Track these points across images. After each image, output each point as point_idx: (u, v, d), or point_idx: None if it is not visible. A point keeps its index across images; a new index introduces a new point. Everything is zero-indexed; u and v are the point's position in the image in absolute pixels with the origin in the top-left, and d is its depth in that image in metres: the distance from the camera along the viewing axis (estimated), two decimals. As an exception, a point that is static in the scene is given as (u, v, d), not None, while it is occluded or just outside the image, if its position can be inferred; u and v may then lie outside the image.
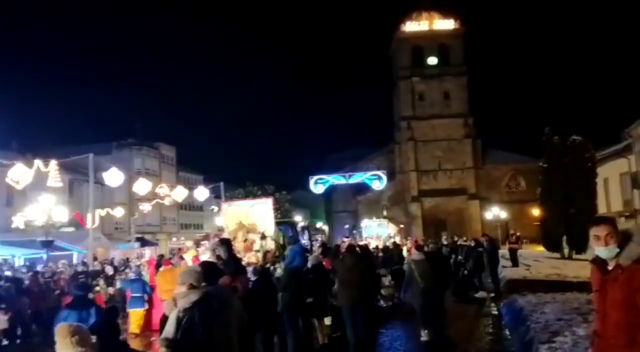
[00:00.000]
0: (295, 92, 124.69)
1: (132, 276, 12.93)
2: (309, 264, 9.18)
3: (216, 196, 31.59)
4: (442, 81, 58.81)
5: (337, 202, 62.03)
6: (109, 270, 15.35)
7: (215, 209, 33.57)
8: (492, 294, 14.74)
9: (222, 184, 29.39)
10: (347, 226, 53.46)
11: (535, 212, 53.89)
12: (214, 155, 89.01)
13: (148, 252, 29.48)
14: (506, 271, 18.15)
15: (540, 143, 25.54)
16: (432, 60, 59.88)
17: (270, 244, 14.52)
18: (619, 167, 29.39)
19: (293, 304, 8.20)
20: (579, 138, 23.91)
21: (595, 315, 3.29)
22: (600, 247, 3.18)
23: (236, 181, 44.56)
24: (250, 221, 15.18)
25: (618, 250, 3.11)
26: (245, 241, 14.43)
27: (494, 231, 42.67)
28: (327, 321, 9.70)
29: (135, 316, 11.54)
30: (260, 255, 13.19)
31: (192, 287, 3.99)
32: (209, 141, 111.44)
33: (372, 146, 63.68)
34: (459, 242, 22.34)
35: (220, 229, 19.10)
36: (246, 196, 32.91)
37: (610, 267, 3.12)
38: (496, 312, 12.14)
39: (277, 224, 16.91)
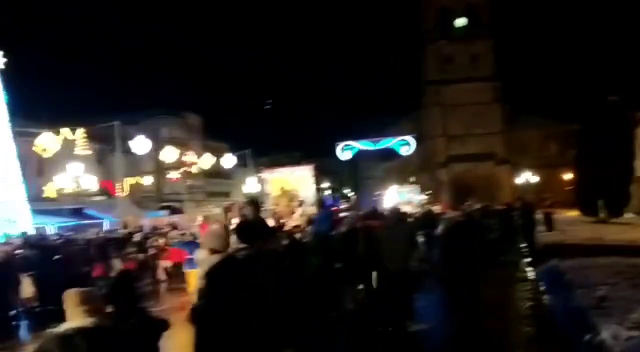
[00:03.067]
0: (318, 58, 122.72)
1: (188, 238, 13.89)
2: (343, 229, 8.86)
3: (241, 164, 31.47)
4: (470, 44, 56.96)
5: (363, 169, 61.63)
6: (137, 236, 15.38)
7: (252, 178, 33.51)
8: (529, 259, 14.37)
9: (248, 151, 29.22)
10: (378, 193, 53.05)
11: (567, 176, 53.14)
12: (241, 123, 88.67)
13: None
14: (542, 236, 17.65)
15: (571, 106, 24.68)
16: (461, 21, 57.97)
17: (310, 210, 14.74)
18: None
19: (321, 269, 7.97)
20: (616, 98, 22.93)
21: None
22: None
23: (262, 148, 44.44)
24: (291, 187, 15.62)
25: None
26: (288, 206, 14.78)
27: (524, 196, 41.93)
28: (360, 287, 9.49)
29: (192, 276, 11.59)
30: (304, 220, 13.24)
31: (213, 252, 3.72)
32: (234, 110, 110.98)
33: (398, 112, 62.68)
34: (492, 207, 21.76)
35: (249, 198, 19.61)
36: (272, 164, 32.72)
37: None
38: (534, 278, 11.75)
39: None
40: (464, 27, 57.71)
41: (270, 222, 13.32)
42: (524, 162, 54.67)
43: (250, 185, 27.41)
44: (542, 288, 10.11)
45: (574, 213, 29.93)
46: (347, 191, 59.09)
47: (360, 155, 46.67)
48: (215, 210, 28.49)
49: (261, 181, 19.30)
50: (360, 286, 9.51)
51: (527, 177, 49.09)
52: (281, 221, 13.24)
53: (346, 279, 8.80)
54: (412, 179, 53.51)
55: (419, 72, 62.45)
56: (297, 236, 10.29)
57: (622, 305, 6.23)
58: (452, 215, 8.98)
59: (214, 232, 4.22)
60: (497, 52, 56.66)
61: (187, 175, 31.34)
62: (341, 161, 38.08)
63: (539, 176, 50.33)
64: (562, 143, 56.32)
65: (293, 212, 14.48)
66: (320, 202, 11.19)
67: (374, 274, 8.25)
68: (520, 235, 15.09)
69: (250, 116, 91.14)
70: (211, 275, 3.62)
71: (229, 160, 26.85)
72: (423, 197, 30.25)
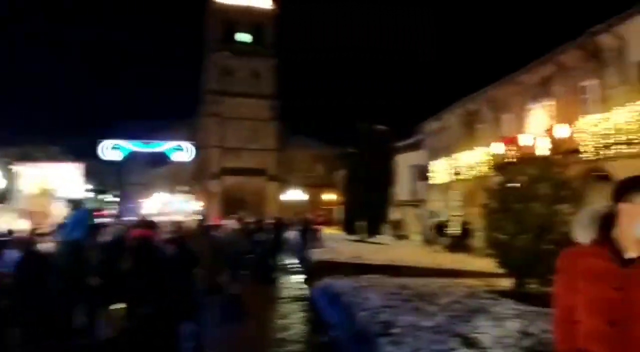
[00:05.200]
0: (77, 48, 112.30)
1: None
2: (109, 238, 7.20)
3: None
4: (252, 60, 58.10)
5: (130, 174, 57.51)
6: None
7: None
8: (303, 276, 14.25)
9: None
10: (141, 200, 49.68)
11: (329, 196, 57.14)
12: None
13: None
14: (312, 252, 17.87)
15: (340, 131, 26.31)
16: (245, 37, 58.81)
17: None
18: (410, 160, 31.76)
19: (72, 286, 6.38)
20: (383, 127, 24.97)
21: (594, 328, 2.07)
22: None
23: (11, 137, 37.90)
24: (52, 186, 13.45)
25: None
26: (46, 207, 12.46)
27: (290, 213, 43.57)
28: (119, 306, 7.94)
29: None
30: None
31: None
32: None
33: (173, 118, 60.19)
34: (265, 221, 21.61)
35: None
36: (24, 157, 28.03)
37: (632, 256, 2.11)
38: (309, 297, 11.48)
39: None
40: (248, 42, 58.56)
41: (24, 225, 10.95)
42: (294, 180, 57.11)
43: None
44: (319, 309, 9.78)
45: (332, 231, 31.83)
46: (110, 198, 54.27)
47: (127, 158, 43.36)
48: None
49: (11, 175, 16.27)
50: (121, 306, 7.99)
51: (295, 194, 51.22)
52: (37, 224, 11.14)
53: (104, 298, 7.25)
54: (184, 188, 51.72)
55: (198, 80, 61.50)
56: (44, 244, 8.34)
57: (410, 332, 5.97)
58: (228, 225, 8.12)
59: None
60: (279, 72, 58.63)
61: None
62: (105, 163, 34.68)
63: (306, 194, 52.89)
64: (328, 165, 60.69)
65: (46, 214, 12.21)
66: (77, 204, 9.28)
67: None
68: (298, 252, 14.96)
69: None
70: None
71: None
72: (197, 207, 28.98)
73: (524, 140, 16.54)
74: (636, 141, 13.15)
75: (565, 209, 8.88)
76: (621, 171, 12.06)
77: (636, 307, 1.98)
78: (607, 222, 2.15)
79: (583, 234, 2.19)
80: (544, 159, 9.61)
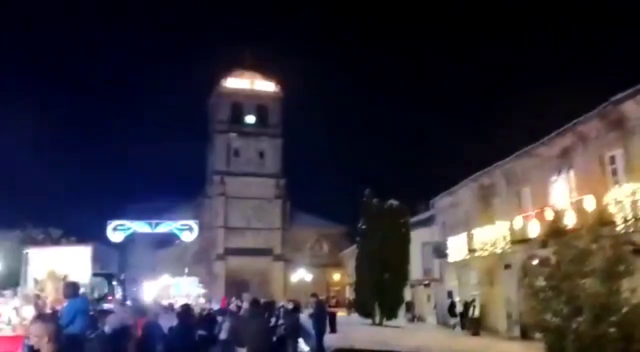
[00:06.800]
0: (91, 130, 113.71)
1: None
2: (108, 329, 6.20)
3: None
4: (258, 140, 58.90)
5: (135, 256, 56.27)
6: None
7: None
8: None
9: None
10: (142, 282, 48.05)
11: (336, 276, 55.46)
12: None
13: None
14: (327, 338, 16.56)
15: (346, 208, 25.56)
16: (251, 119, 59.87)
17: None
18: (421, 236, 30.68)
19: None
20: (396, 202, 24.20)
21: None
22: None
23: (11, 221, 37.11)
24: (63, 271, 12.93)
25: None
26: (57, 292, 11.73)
27: (297, 294, 41.85)
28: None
29: None
30: None
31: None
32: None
33: (179, 199, 59.75)
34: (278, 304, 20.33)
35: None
36: (25, 240, 27.17)
37: None
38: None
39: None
40: (253, 124, 59.47)
41: (31, 311, 10.09)
42: (299, 260, 55.70)
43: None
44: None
45: (343, 313, 30.25)
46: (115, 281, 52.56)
47: (131, 241, 42.37)
48: None
49: (25, 259, 16.39)
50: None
51: (301, 274, 49.73)
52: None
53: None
54: (186, 270, 50.30)
55: (204, 161, 61.72)
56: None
57: None
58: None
59: None
60: (284, 152, 58.92)
61: None
62: (109, 244, 33.69)
63: (312, 274, 51.34)
64: (334, 243, 59.48)
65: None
66: (74, 289, 8.46)
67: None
68: (311, 336, 13.70)
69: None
70: None
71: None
72: (201, 291, 27.73)
73: (549, 214, 15.73)
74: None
75: (624, 286, 7.92)
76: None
77: None
78: None
79: None
80: (592, 231, 8.76)
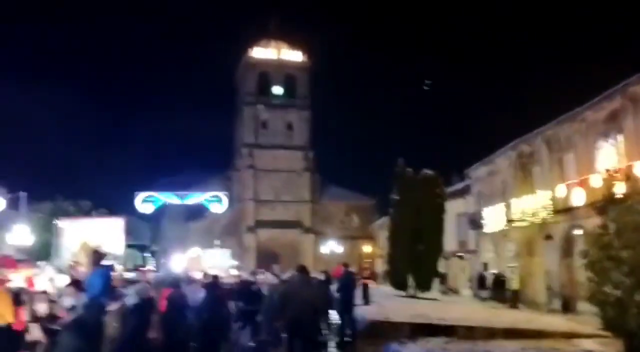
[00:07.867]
0: (119, 105, 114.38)
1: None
2: (132, 301, 5.75)
3: (13, 208, 25.57)
4: (286, 112, 58.13)
5: (165, 228, 56.84)
6: None
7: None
8: (348, 338, 12.46)
9: (23, 194, 23.78)
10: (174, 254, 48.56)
11: (366, 248, 55.12)
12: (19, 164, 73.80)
13: None
14: (360, 310, 16.09)
15: (377, 181, 24.84)
16: (278, 90, 59.00)
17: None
18: (456, 207, 29.84)
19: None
20: (430, 172, 23.37)
21: None
22: None
23: (42, 192, 37.36)
24: (95, 242, 12.99)
25: None
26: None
27: (328, 267, 41.58)
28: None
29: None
30: None
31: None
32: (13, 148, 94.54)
33: (208, 172, 59.82)
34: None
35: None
36: (56, 212, 27.31)
37: None
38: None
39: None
40: (281, 95, 58.68)
41: (66, 279, 9.81)
42: (329, 232, 55.41)
43: (20, 234, 21.84)
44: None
45: (375, 285, 29.80)
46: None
47: (162, 213, 42.65)
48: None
49: (57, 231, 16.63)
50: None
51: (331, 247, 49.45)
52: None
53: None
54: (216, 242, 50.58)
55: (232, 134, 61.47)
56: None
57: None
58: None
59: None
60: (312, 123, 58.17)
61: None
62: (140, 217, 33.79)
63: (342, 246, 51.03)
64: (364, 216, 59.02)
65: None
66: (98, 257, 8.19)
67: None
68: (339, 309, 13.08)
69: (30, 154, 79.98)
70: None
71: (-5, 203, 21.29)
72: (234, 263, 27.56)
73: (597, 181, 14.79)
74: None
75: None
76: None
77: None
78: None
79: None
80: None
